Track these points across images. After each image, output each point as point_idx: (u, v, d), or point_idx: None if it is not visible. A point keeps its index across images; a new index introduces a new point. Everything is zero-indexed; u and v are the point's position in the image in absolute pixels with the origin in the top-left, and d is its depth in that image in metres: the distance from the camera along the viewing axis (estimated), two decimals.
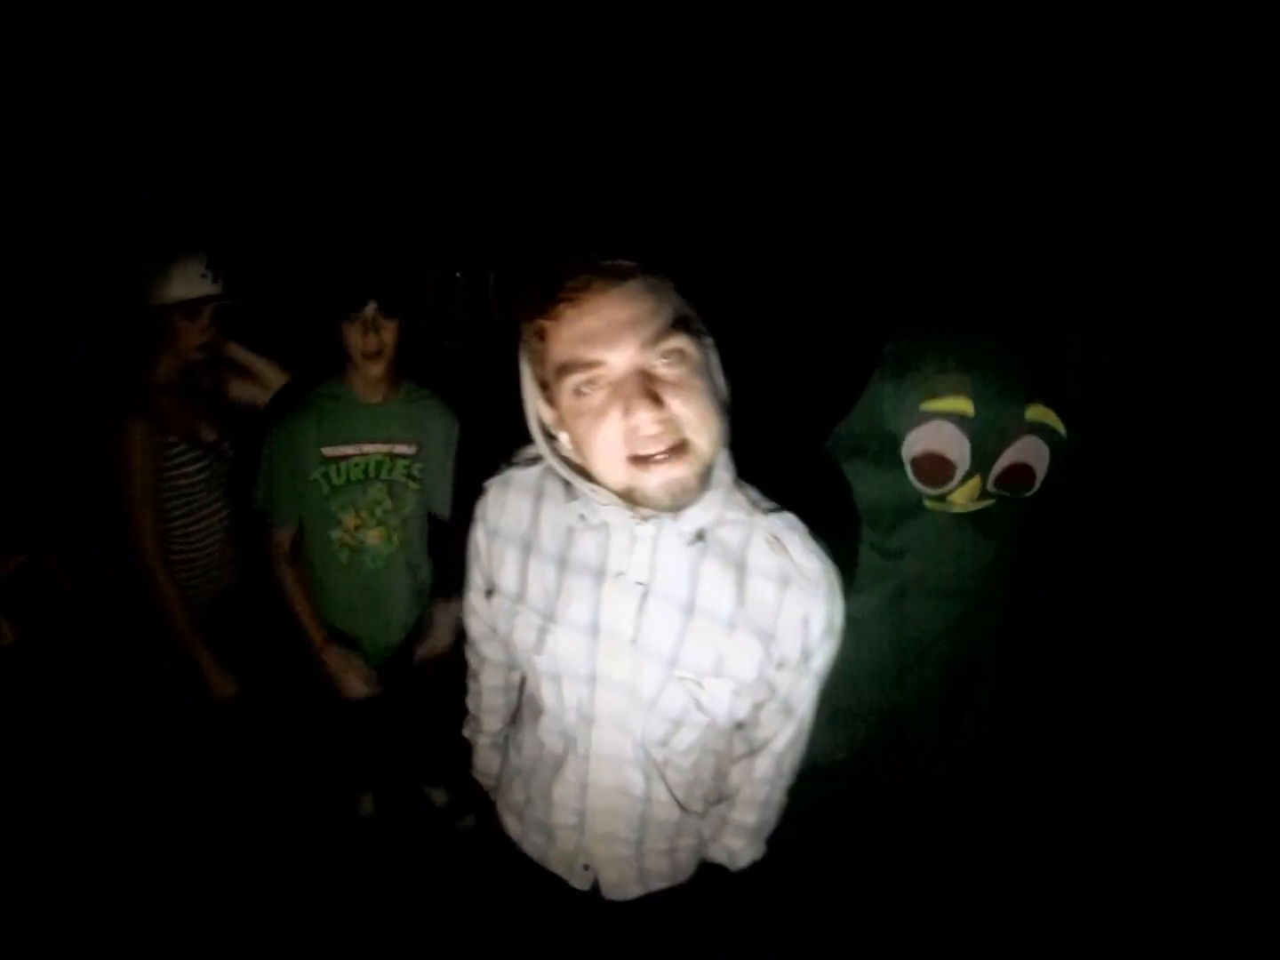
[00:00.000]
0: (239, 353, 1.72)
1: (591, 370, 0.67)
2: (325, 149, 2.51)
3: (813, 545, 0.80)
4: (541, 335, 0.70)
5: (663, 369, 0.67)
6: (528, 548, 0.84)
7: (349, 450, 1.45)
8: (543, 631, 0.82)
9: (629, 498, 0.71)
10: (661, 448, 0.67)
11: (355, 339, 1.37)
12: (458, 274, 2.49)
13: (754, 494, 0.82)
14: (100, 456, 1.55)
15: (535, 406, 0.77)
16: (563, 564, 0.81)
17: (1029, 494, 1.15)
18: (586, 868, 0.94)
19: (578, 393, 0.68)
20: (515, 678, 1.03)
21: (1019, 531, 1.25)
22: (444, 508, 1.60)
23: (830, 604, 0.79)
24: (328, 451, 1.44)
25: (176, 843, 1.81)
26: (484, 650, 1.03)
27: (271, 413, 1.60)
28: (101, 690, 1.96)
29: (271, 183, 2.43)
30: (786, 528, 0.80)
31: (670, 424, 0.67)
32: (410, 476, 1.50)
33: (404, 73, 2.54)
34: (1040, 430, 1.09)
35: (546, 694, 0.86)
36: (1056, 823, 1.81)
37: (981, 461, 1.10)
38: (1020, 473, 1.12)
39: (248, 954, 1.63)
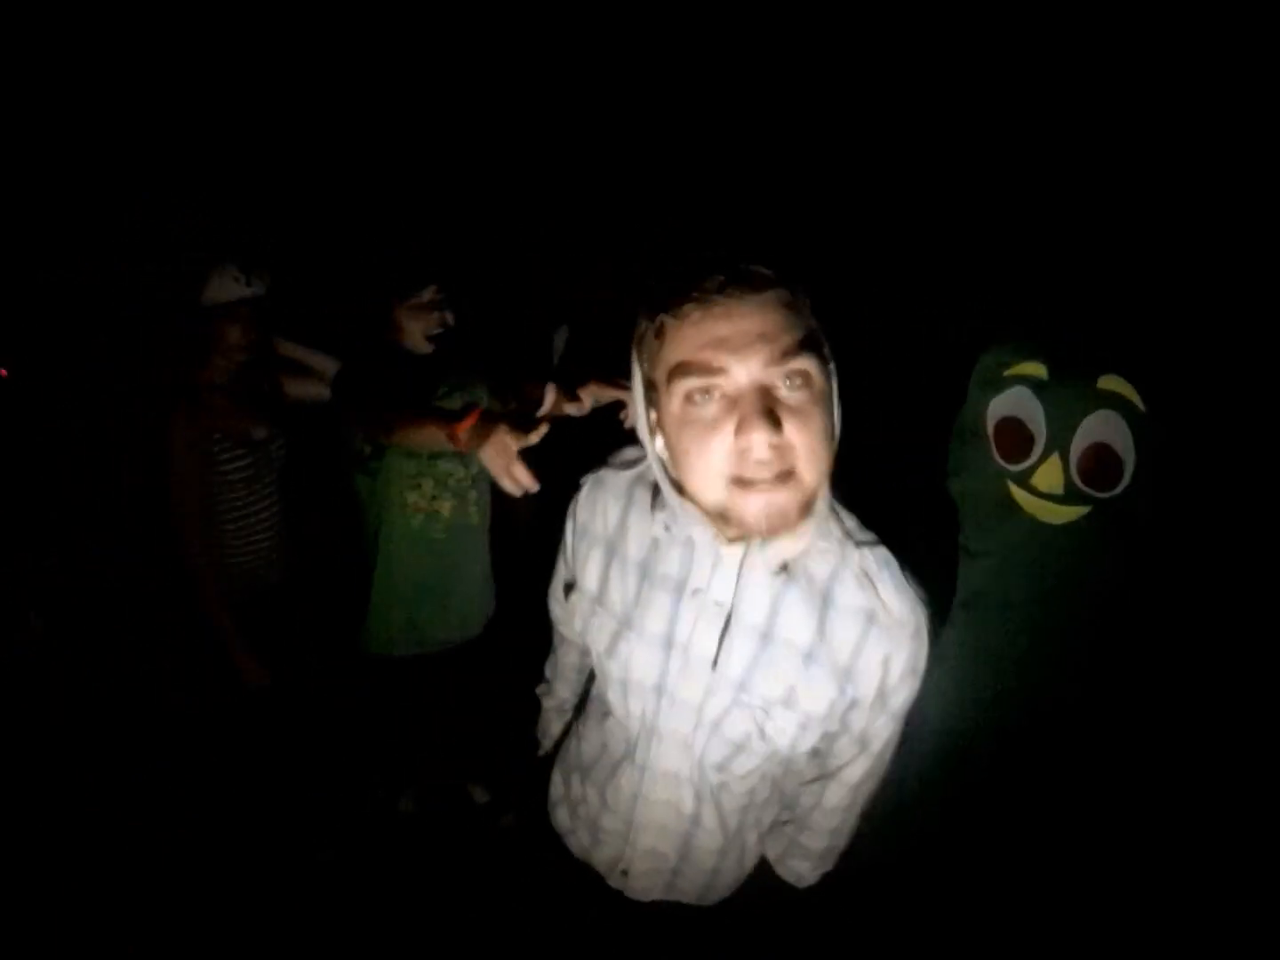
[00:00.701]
0: (292, 350, 1.74)
1: (711, 378, 0.63)
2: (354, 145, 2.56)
3: (904, 584, 0.77)
4: (660, 332, 0.67)
5: (785, 391, 0.63)
6: (612, 551, 0.83)
7: None
8: (616, 636, 0.81)
9: (721, 518, 0.67)
10: (769, 474, 0.63)
11: (414, 322, 1.43)
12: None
13: (851, 523, 0.78)
14: (133, 455, 1.59)
15: (643, 406, 0.73)
16: (645, 573, 0.80)
17: (1118, 490, 1.06)
18: (625, 874, 0.93)
19: (689, 399, 0.64)
20: (590, 662, 1.01)
21: (1111, 556, 1.14)
22: None
23: (915, 645, 0.76)
24: None
25: (177, 843, 1.78)
26: (563, 630, 1.04)
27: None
28: (104, 688, 1.99)
29: (306, 174, 2.48)
30: (878, 563, 0.76)
31: (782, 451, 0.63)
32: None
33: (422, 67, 2.60)
34: (1116, 403, 1.04)
35: (614, 698, 0.84)
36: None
37: (1059, 434, 1.06)
38: (1103, 456, 1.05)
39: (248, 954, 1.61)
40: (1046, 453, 1.07)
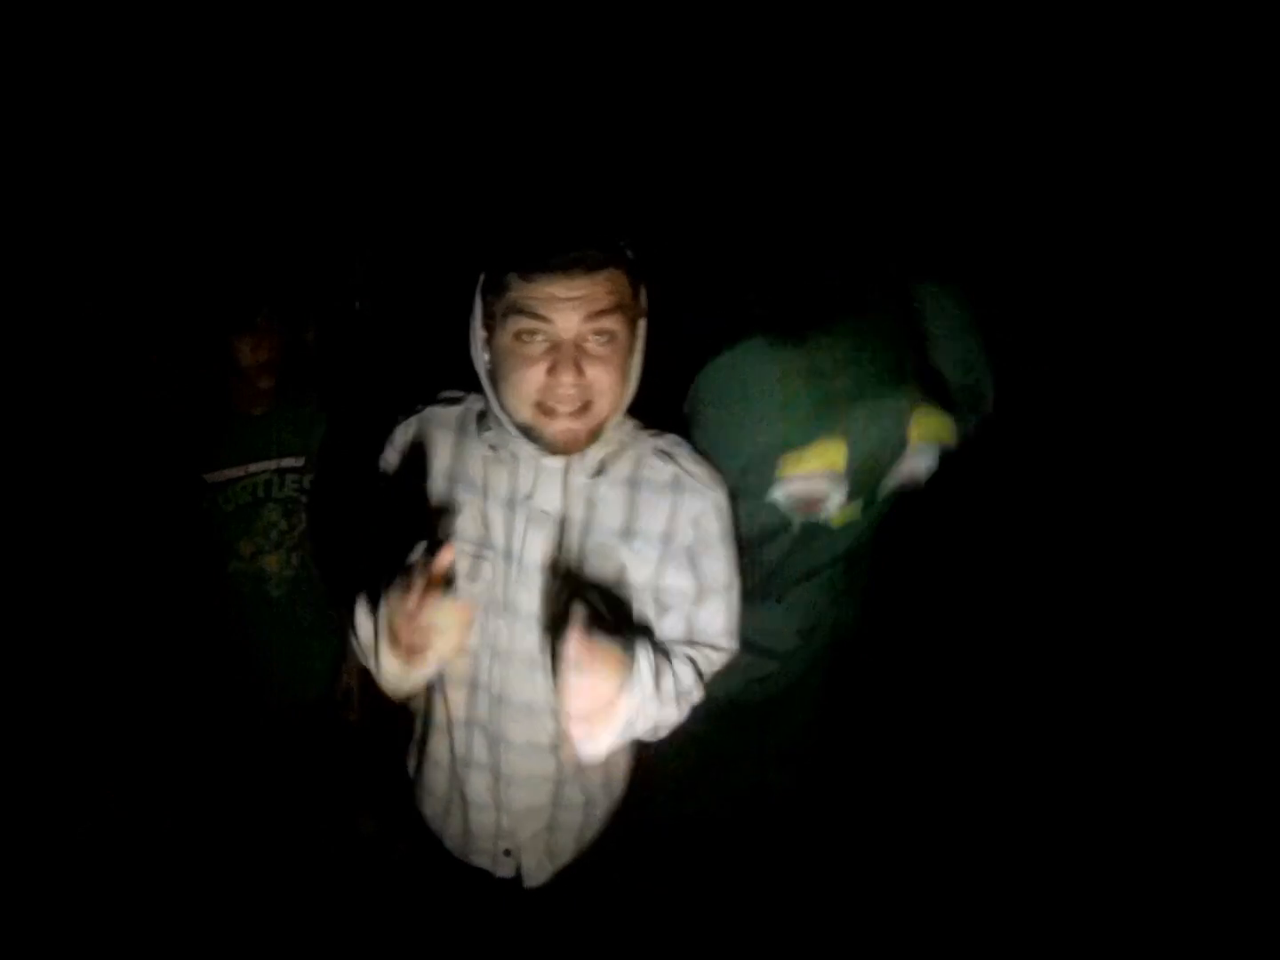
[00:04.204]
0: None
1: (538, 323, 0.77)
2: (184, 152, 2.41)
3: (700, 456, 0.92)
4: (508, 280, 0.78)
5: (593, 343, 0.78)
6: (454, 479, 0.89)
7: (235, 473, 1.36)
8: (477, 560, 0.88)
9: (526, 433, 0.82)
10: (570, 408, 0.79)
11: (244, 353, 1.29)
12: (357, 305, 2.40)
13: (638, 423, 0.92)
14: None
15: (476, 329, 0.85)
16: (485, 493, 0.88)
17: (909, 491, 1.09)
18: (508, 853, 0.96)
19: (518, 336, 0.78)
20: None
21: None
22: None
23: (721, 497, 0.90)
24: (211, 477, 1.35)
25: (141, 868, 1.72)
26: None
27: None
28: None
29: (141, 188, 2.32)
30: (672, 443, 0.91)
31: (582, 389, 0.79)
32: (303, 491, 1.40)
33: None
34: (927, 445, 1.01)
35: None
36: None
37: (863, 490, 1.02)
38: (906, 484, 1.06)
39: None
40: (849, 500, 1.03)
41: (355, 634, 0.86)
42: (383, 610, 0.78)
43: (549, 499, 0.86)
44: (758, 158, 2.51)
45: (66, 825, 1.79)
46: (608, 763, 0.94)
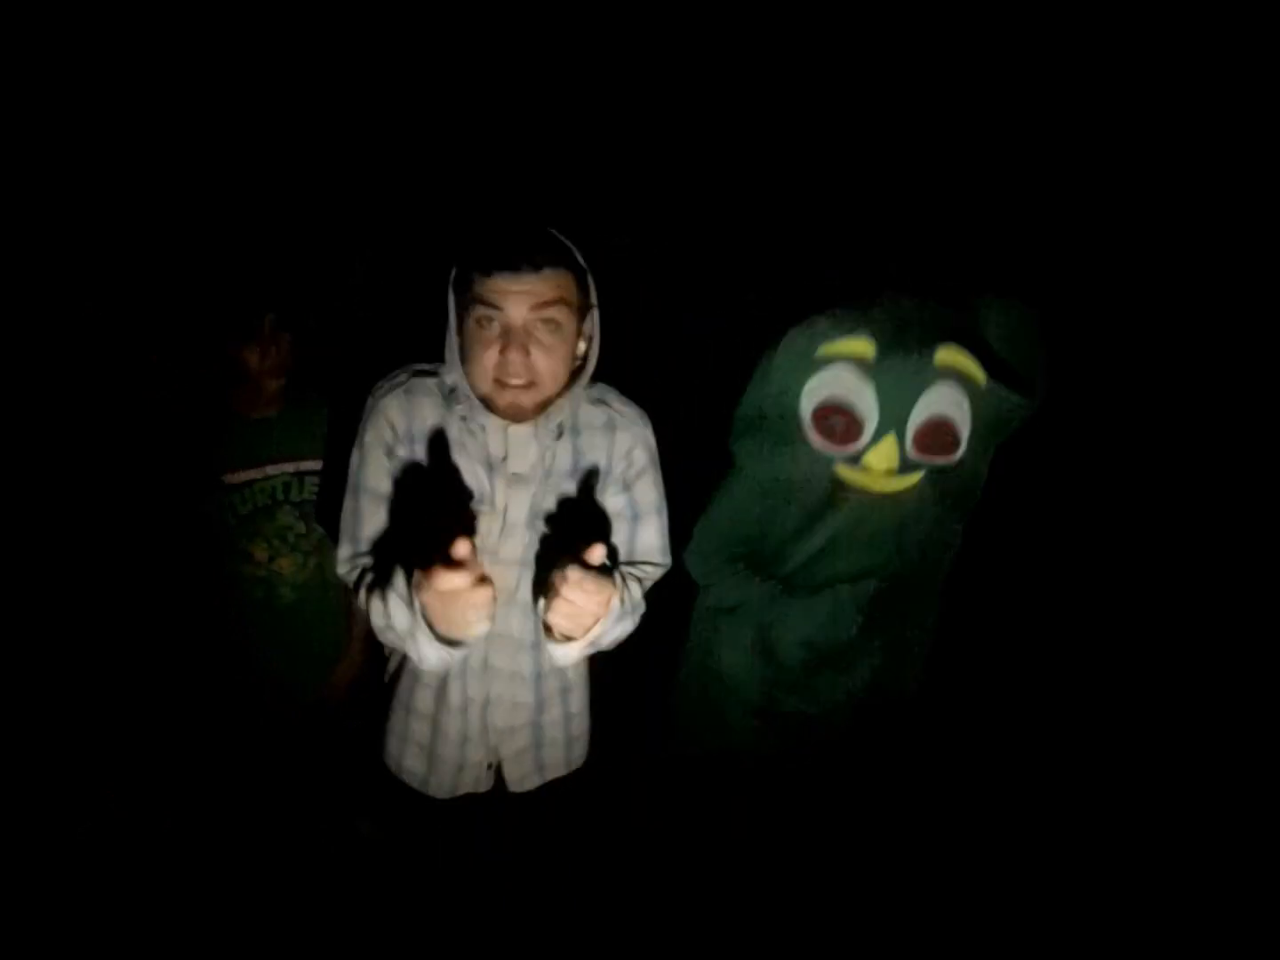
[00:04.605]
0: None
1: (493, 310, 0.91)
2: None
3: (627, 398, 1.09)
4: (473, 277, 0.92)
5: (540, 330, 0.93)
6: (444, 444, 1.00)
7: (251, 474, 1.36)
8: (475, 515, 0.99)
9: (486, 405, 0.97)
10: (518, 382, 0.94)
11: (252, 359, 1.30)
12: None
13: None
14: None
15: (453, 315, 0.98)
16: (470, 457, 1.00)
17: (954, 459, 1.02)
18: (490, 766, 1.12)
19: (478, 322, 0.93)
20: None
21: (946, 518, 1.11)
22: None
23: (647, 432, 1.08)
24: (228, 478, 1.35)
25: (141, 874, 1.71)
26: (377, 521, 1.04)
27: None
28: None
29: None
30: (602, 390, 1.08)
31: (528, 368, 0.93)
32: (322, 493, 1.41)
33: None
34: (954, 376, 0.98)
35: None
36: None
37: (893, 415, 0.98)
38: (940, 430, 0.99)
39: None
40: (880, 434, 1.00)
41: (389, 623, 0.94)
42: (417, 605, 0.85)
43: (520, 462, 1.01)
44: (758, 158, 2.55)
45: (66, 825, 1.78)
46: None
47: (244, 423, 1.36)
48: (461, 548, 0.76)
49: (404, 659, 1.09)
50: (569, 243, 0.96)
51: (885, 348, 0.99)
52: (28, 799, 1.81)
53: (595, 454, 1.05)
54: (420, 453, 1.01)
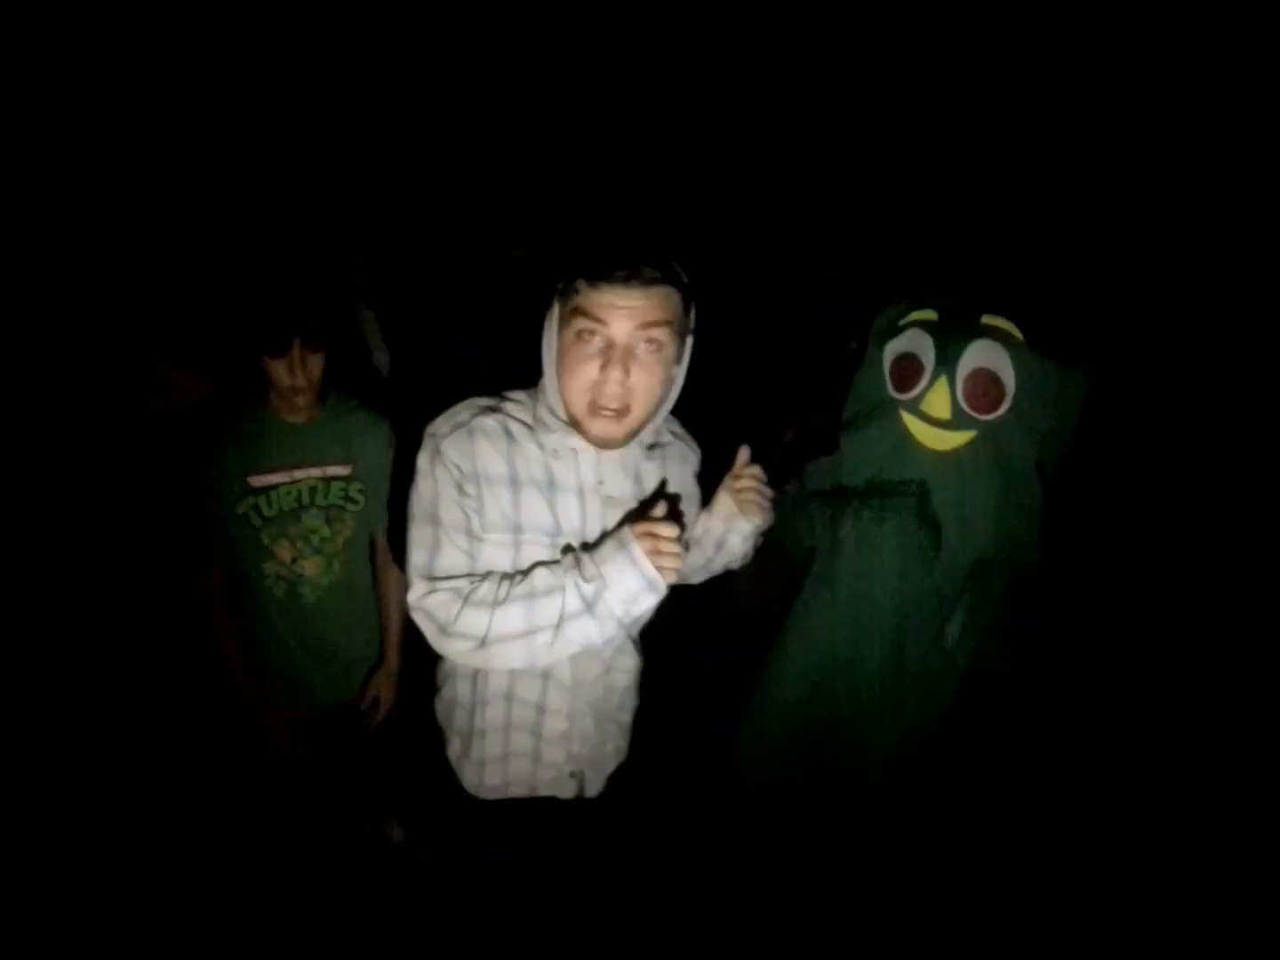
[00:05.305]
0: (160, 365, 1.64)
1: (597, 325, 0.89)
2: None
3: (685, 432, 1.16)
4: (579, 288, 0.90)
5: (642, 350, 0.91)
6: (516, 484, 0.98)
7: (279, 478, 1.37)
8: (551, 548, 0.99)
9: (575, 424, 0.96)
10: (613, 405, 0.92)
11: (281, 375, 1.30)
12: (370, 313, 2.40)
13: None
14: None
15: (556, 327, 0.95)
16: (552, 489, 0.99)
17: (999, 413, 1.18)
18: (573, 775, 1.13)
19: (579, 335, 0.91)
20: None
21: (993, 485, 1.23)
22: (383, 523, 1.52)
23: (699, 459, 1.17)
24: (255, 481, 1.36)
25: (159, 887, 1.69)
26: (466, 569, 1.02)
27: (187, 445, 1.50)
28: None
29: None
30: (671, 423, 1.13)
31: (625, 391, 0.91)
32: (348, 499, 1.42)
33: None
34: (997, 334, 1.18)
35: None
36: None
37: (946, 359, 1.18)
38: (986, 380, 1.17)
39: None
40: (935, 377, 1.19)
41: (533, 623, 0.93)
42: (607, 570, 0.91)
43: (617, 486, 1.03)
44: (758, 158, 2.60)
45: (66, 825, 1.77)
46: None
47: (274, 426, 1.36)
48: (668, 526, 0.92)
49: (473, 682, 1.10)
50: (676, 264, 0.93)
51: (944, 312, 1.24)
52: (27, 799, 1.79)
53: (675, 475, 1.11)
54: (493, 491, 0.98)
